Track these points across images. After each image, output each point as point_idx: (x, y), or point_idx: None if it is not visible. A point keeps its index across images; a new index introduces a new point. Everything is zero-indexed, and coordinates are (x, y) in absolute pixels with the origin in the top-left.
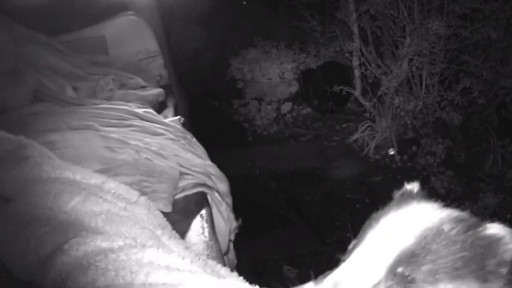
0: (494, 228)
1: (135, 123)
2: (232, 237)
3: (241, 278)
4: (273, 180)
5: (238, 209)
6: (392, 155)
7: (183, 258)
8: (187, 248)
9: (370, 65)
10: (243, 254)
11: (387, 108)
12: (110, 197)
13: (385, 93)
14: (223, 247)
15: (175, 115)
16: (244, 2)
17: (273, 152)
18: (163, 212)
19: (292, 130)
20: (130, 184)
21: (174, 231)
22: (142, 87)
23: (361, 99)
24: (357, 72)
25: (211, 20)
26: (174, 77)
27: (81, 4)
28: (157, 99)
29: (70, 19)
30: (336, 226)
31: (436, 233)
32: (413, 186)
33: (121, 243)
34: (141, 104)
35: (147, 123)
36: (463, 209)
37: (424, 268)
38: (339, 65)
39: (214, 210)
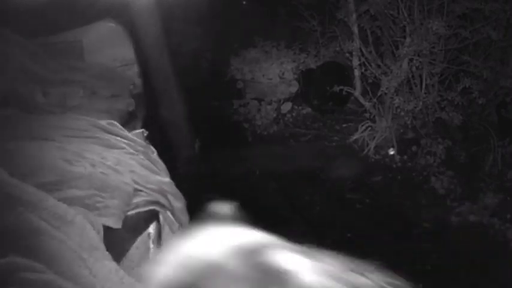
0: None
1: (96, 135)
2: None
3: None
4: (273, 180)
5: (238, 209)
6: (392, 155)
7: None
8: (111, 271)
9: (370, 65)
10: None
11: (387, 108)
12: (45, 215)
13: (385, 93)
14: None
15: (144, 126)
16: (244, 2)
17: (273, 152)
18: (112, 229)
19: (292, 130)
20: (83, 197)
21: (106, 253)
22: (114, 95)
23: (361, 99)
24: (357, 72)
25: (211, 20)
26: (173, 77)
27: (81, 4)
28: (127, 109)
29: (69, 20)
30: (336, 226)
31: None
32: (225, 206)
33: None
34: (108, 114)
35: (108, 135)
36: (463, 209)
37: None
38: (339, 65)
39: (166, 229)
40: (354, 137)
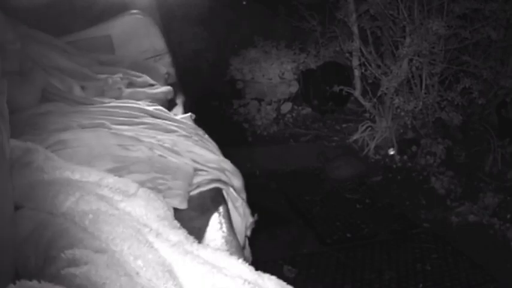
0: None
1: (146, 121)
2: (249, 232)
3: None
4: (273, 180)
5: None
6: (392, 155)
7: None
8: (187, 237)
9: (370, 65)
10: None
11: (387, 108)
12: (107, 191)
13: (385, 94)
14: (240, 243)
15: (185, 112)
16: (244, 2)
17: (273, 152)
18: (178, 209)
19: (292, 130)
20: (144, 182)
21: (175, 222)
22: (151, 85)
23: (361, 100)
24: (357, 72)
25: (211, 20)
26: (174, 77)
27: (83, 4)
28: (166, 97)
29: (73, 19)
30: (336, 226)
31: None
32: None
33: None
34: (150, 102)
35: (158, 120)
36: (463, 209)
37: None
38: (339, 65)
39: (230, 206)
40: (354, 137)
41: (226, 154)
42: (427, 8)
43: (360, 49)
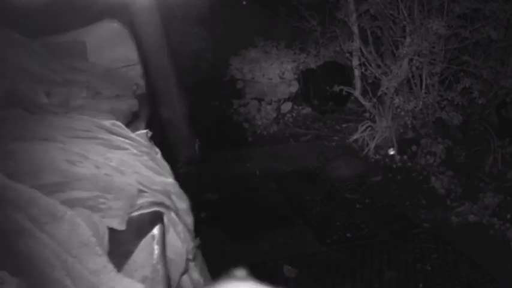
0: None
1: (100, 136)
2: (191, 256)
3: None
4: (273, 180)
5: (238, 209)
6: (392, 155)
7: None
8: (106, 266)
9: (370, 65)
10: (243, 254)
11: (387, 108)
12: (36, 212)
13: (385, 93)
14: (180, 267)
15: (147, 126)
16: (244, 2)
17: (273, 152)
18: (116, 230)
19: (292, 130)
20: (86, 199)
21: (97, 249)
22: (117, 96)
23: (361, 99)
24: (357, 72)
25: (211, 20)
26: (174, 77)
27: (83, 4)
28: (130, 110)
29: (73, 19)
30: (336, 226)
31: None
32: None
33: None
34: (112, 114)
35: (112, 136)
36: (463, 209)
37: None
38: (339, 65)
39: (171, 231)
40: (354, 137)
41: (226, 154)
42: (427, 8)
43: (360, 49)
